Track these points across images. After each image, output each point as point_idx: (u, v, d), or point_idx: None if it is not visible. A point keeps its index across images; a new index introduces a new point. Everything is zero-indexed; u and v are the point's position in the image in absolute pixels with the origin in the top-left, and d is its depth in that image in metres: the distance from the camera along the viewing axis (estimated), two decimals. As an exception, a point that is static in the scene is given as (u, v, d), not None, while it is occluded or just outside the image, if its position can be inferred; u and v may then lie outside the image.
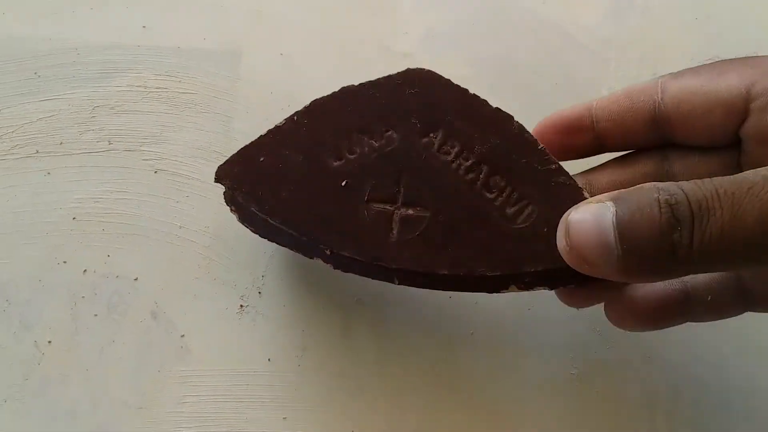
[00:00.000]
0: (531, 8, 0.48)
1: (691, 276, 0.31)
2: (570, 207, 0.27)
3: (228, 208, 0.34)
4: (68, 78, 0.43)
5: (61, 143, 0.41)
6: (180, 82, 0.43)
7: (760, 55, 0.31)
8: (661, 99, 0.30)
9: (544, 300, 0.37)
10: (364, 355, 0.36)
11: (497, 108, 0.33)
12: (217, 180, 0.34)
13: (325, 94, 0.34)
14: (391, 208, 0.32)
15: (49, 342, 0.36)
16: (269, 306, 0.37)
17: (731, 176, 0.24)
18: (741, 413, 0.35)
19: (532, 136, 0.33)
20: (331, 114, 0.34)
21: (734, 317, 0.32)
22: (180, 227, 0.39)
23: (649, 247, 0.24)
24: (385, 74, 0.41)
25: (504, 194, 0.32)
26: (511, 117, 0.33)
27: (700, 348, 0.37)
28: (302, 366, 0.36)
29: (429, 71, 0.34)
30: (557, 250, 0.28)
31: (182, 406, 0.35)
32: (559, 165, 0.32)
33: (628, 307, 0.31)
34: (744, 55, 0.31)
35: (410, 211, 0.32)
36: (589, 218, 0.25)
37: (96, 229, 0.39)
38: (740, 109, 0.29)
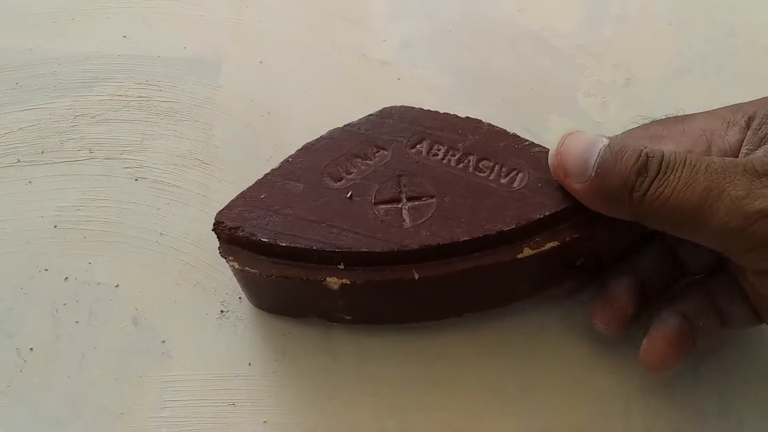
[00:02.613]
0: (507, 16, 0.49)
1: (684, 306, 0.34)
2: None
3: (223, 256, 0.35)
4: (49, 88, 0.43)
5: (42, 152, 0.41)
6: (161, 90, 0.44)
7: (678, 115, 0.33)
8: None
9: (526, 307, 0.38)
10: (344, 357, 0.36)
11: (467, 116, 0.37)
12: (217, 224, 0.34)
13: (314, 138, 0.36)
14: (399, 205, 0.34)
15: (31, 349, 0.36)
16: (249, 311, 0.37)
17: (705, 157, 0.28)
18: (714, 408, 0.36)
19: (500, 128, 0.37)
20: (322, 150, 0.36)
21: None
22: (161, 234, 0.39)
23: (616, 179, 0.29)
24: (364, 81, 0.41)
25: (494, 170, 0.35)
26: (480, 120, 0.37)
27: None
28: (282, 370, 0.36)
29: (403, 105, 0.38)
30: (557, 195, 0.33)
31: (163, 411, 0.35)
32: (531, 141, 0.36)
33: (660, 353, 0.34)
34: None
35: (417, 203, 0.34)
36: (582, 140, 0.31)
37: (77, 236, 0.39)
38: None
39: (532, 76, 0.46)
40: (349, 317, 0.36)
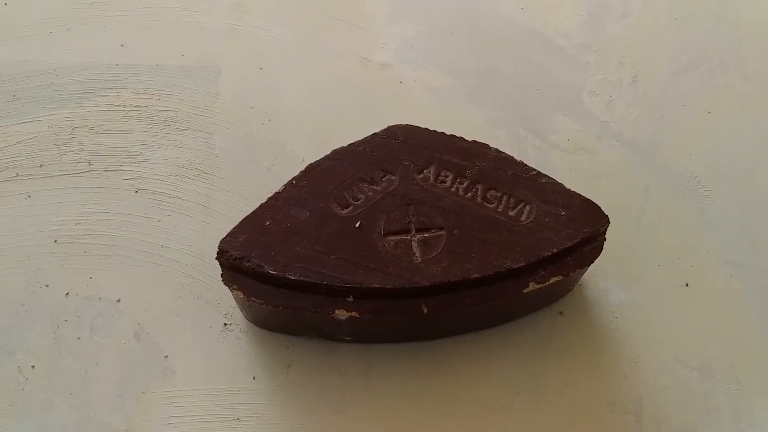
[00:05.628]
0: (509, 15, 0.48)
1: None
2: (558, 199, 0.34)
3: (226, 285, 0.34)
4: (47, 99, 0.43)
5: (41, 166, 0.41)
6: (159, 99, 0.43)
7: None
8: None
9: (532, 319, 0.37)
10: (349, 370, 0.36)
11: (474, 140, 0.37)
12: (221, 252, 0.33)
13: (319, 157, 0.36)
14: (408, 237, 0.34)
15: (33, 367, 0.36)
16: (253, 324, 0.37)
17: None
18: (728, 412, 0.35)
19: (508, 154, 0.36)
20: (327, 172, 0.36)
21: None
22: (162, 246, 0.39)
23: None
24: (366, 85, 0.41)
25: (503, 202, 0.35)
26: (487, 144, 0.37)
27: (686, 351, 0.37)
28: (287, 383, 0.36)
29: (408, 125, 0.37)
30: (565, 231, 0.34)
31: (168, 427, 0.35)
32: (538, 170, 0.36)
33: None
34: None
35: (426, 234, 0.34)
36: None
37: (78, 251, 0.38)
38: None
39: (536, 76, 0.46)
40: (349, 338, 0.36)
